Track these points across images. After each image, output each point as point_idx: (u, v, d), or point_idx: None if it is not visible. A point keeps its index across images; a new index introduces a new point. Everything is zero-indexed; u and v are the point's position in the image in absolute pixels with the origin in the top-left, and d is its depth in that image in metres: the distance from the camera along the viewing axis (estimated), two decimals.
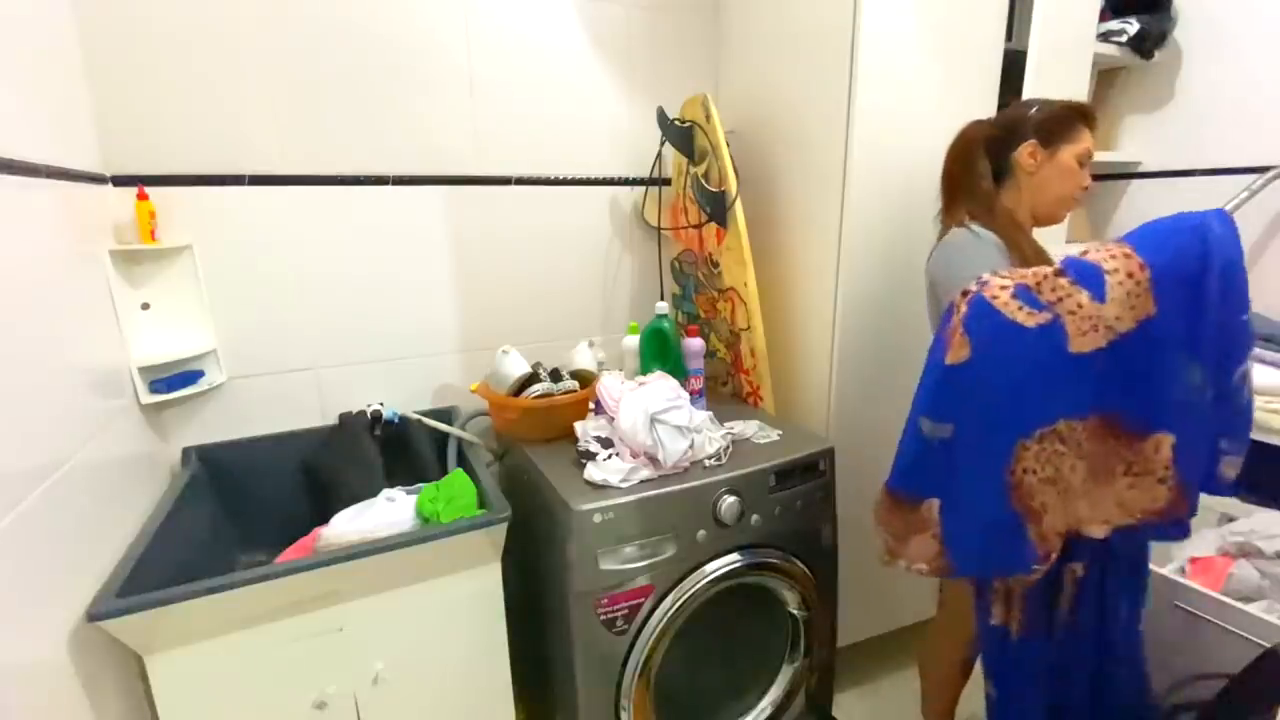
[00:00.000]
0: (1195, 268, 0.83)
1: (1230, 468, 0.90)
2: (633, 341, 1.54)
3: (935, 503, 0.98)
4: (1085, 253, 0.88)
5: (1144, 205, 1.95)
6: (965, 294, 0.92)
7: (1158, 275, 0.83)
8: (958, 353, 0.90)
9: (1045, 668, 1.05)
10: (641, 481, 1.17)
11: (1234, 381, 0.88)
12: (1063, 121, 1.12)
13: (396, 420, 1.42)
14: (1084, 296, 0.85)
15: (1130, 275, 0.84)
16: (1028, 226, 1.17)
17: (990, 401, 0.90)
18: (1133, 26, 1.79)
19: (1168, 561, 1.28)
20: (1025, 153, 1.13)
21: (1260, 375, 1.40)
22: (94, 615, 0.86)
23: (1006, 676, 1.10)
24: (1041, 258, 1.12)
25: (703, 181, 1.50)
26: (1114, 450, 0.90)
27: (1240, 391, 0.89)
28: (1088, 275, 0.86)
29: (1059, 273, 0.87)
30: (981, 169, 1.16)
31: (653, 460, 1.20)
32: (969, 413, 0.92)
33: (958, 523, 0.97)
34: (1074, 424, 0.89)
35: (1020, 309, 0.87)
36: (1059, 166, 1.12)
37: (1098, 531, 0.92)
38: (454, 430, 1.44)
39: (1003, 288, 0.89)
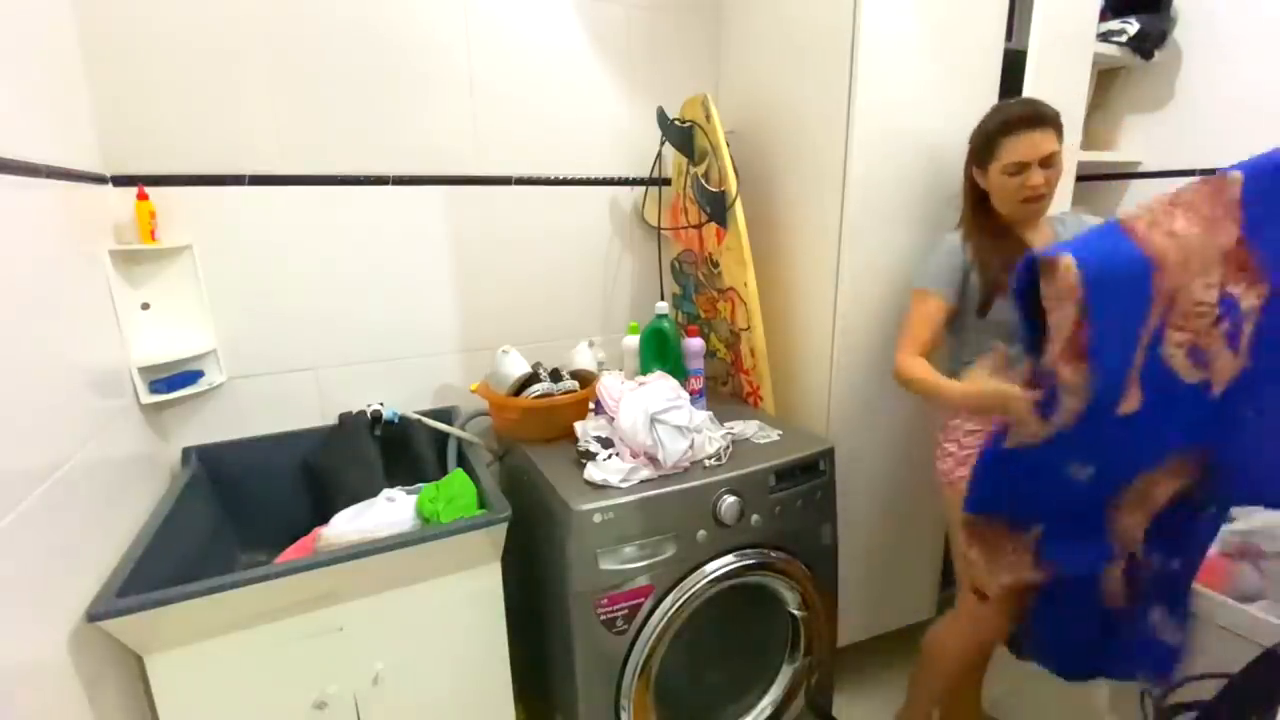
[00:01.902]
0: None
1: None
2: (633, 341, 1.54)
3: (1039, 528, 1.07)
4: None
5: None
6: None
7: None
8: (1130, 404, 0.96)
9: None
10: (641, 481, 1.17)
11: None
12: (981, 143, 1.22)
13: (396, 420, 1.42)
14: (1227, 354, 0.95)
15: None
16: (1009, 229, 1.25)
17: (1138, 446, 0.99)
18: (1133, 26, 1.79)
19: None
20: (974, 174, 1.26)
21: None
22: (94, 615, 0.86)
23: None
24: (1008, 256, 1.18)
25: (703, 181, 1.50)
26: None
27: None
28: (1232, 336, 0.94)
29: (1225, 336, 0.95)
30: (966, 189, 1.29)
31: (653, 460, 1.20)
32: (1116, 454, 1.00)
33: (1063, 538, 1.07)
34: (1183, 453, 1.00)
35: (1191, 366, 0.96)
36: (993, 182, 1.21)
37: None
38: (454, 430, 1.44)
39: (1180, 344, 0.96)
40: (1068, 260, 0.89)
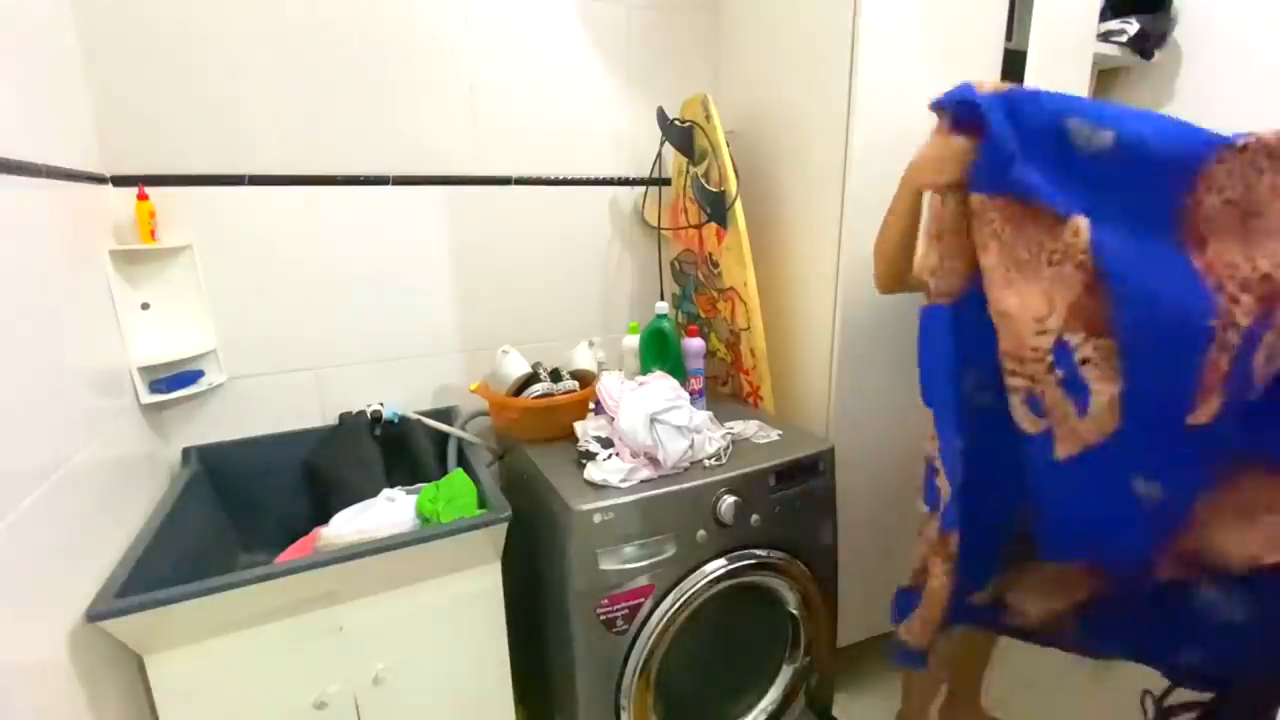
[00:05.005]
0: None
1: None
2: (633, 341, 1.54)
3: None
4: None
5: None
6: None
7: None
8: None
9: None
10: (641, 481, 1.17)
11: None
12: None
13: (396, 420, 1.42)
14: (1071, 409, 0.92)
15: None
16: None
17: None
18: (1133, 26, 1.79)
19: None
20: None
21: None
22: (94, 615, 0.86)
23: None
24: None
25: (703, 181, 1.50)
26: None
27: None
28: (1078, 390, 0.91)
29: (1059, 380, 0.92)
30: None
31: (653, 460, 1.20)
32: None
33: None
34: None
35: (1026, 416, 0.97)
36: None
37: None
38: (454, 430, 1.44)
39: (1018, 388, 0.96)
40: (1079, 223, 0.88)
